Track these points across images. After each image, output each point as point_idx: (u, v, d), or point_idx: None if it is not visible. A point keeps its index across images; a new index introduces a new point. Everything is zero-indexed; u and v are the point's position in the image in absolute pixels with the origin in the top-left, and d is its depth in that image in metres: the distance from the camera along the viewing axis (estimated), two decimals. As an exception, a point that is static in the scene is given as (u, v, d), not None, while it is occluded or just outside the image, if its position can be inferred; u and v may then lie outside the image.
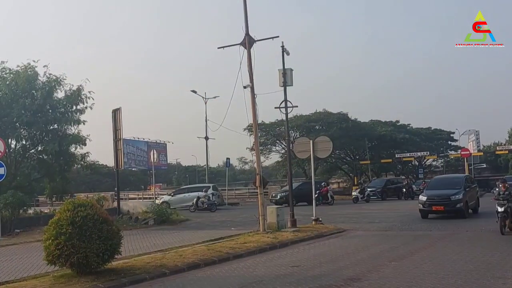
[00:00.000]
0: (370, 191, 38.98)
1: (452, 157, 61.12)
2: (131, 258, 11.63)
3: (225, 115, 29.04)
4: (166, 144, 53.72)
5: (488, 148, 67.95)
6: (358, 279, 8.80)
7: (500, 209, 14.05)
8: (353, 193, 36.98)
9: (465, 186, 20.21)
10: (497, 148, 57.80)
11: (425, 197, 19.75)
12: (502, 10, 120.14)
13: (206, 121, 41.34)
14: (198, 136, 43.85)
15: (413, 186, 39.79)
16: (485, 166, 62.30)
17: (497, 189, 15.09)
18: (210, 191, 33.28)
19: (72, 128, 25.88)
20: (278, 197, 33.27)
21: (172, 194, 36.12)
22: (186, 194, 34.34)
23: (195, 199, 30.83)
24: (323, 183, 33.96)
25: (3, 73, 24.88)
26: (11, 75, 24.58)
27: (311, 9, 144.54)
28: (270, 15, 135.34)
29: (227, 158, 43.15)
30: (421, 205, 19.75)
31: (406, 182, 41.70)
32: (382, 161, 55.09)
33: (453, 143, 62.93)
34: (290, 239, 14.54)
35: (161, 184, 65.08)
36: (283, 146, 50.98)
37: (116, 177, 25.73)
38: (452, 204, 19.04)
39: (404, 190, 37.89)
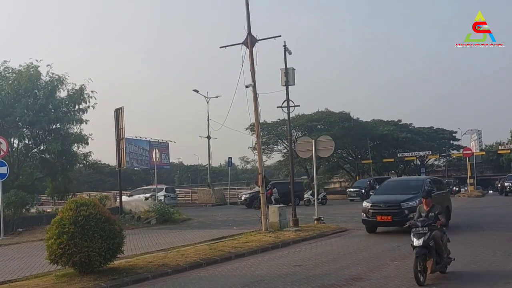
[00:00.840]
0: (354, 191, 37.92)
1: (454, 157, 61.11)
2: (134, 257, 11.65)
3: (227, 115, 29.07)
4: (168, 143, 53.57)
5: (490, 148, 67.95)
6: (360, 279, 8.80)
7: (416, 242, 8.31)
8: (305, 195, 32.85)
9: (428, 190, 15.21)
10: (499, 148, 57.77)
11: (369, 204, 15.47)
12: (502, 10, 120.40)
13: (208, 120, 41.28)
14: (200, 135, 43.83)
15: (377, 186, 35.39)
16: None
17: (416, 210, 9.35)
18: (162, 192, 33.53)
19: (75, 127, 25.95)
20: (243, 198, 33.56)
21: (129, 194, 36.39)
22: (142, 195, 34.68)
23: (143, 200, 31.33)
24: (269, 186, 33.03)
25: (6, 72, 24.93)
26: (14, 75, 24.63)
27: (312, 9, 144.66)
28: (272, 14, 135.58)
29: (229, 158, 43.15)
30: (364, 214, 15.54)
31: (368, 182, 37.66)
32: (384, 160, 55.10)
33: (455, 143, 62.95)
34: (292, 238, 14.55)
35: (163, 184, 65.03)
36: (285, 145, 51.03)
37: (119, 176, 25.76)
38: (403, 213, 14.47)
39: (364, 191, 34.80)
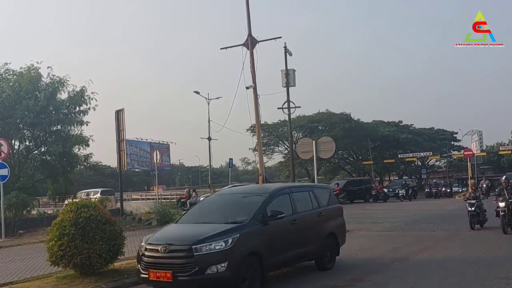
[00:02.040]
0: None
1: (455, 157, 61.09)
2: (134, 259, 11.62)
3: (228, 116, 28.83)
4: (169, 144, 53.56)
5: (491, 148, 67.89)
6: (361, 280, 8.79)
7: None
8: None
9: (270, 214, 8.41)
10: (500, 148, 57.75)
11: (145, 245, 8.18)
12: (502, 10, 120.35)
13: (209, 121, 41.24)
14: (201, 136, 43.82)
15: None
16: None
17: None
18: (98, 195, 33.65)
19: (75, 129, 25.92)
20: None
21: (72, 197, 36.60)
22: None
23: None
24: (186, 189, 32.30)
25: (7, 74, 24.93)
26: (15, 77, 24.63)
27: (312, 9, 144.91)
28: (272, 15, 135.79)
29: (230, 159, 43.22)
30: (138, 265, 8.26)
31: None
32: (385, 161, 55.11)
33: (456, 143, 62.99)
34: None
35: (164, 185, 65.11)
36: (286, 146, 51.05)
37: (120, 178, 25.77)
38: (195, 265, 7.40)
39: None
